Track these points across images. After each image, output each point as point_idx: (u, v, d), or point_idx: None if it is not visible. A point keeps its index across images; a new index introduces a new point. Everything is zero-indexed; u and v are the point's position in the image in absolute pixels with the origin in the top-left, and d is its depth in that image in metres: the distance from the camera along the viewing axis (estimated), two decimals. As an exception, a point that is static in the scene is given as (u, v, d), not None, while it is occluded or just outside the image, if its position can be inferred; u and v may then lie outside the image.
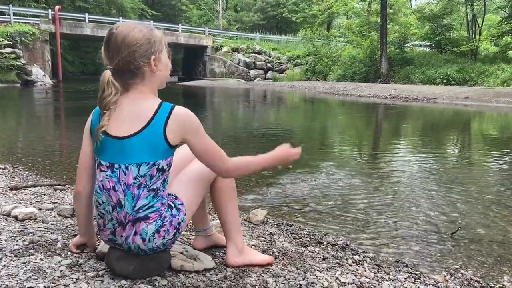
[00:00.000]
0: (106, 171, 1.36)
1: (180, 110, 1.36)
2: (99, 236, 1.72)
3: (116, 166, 1.35)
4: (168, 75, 1.48)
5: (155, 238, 1.36)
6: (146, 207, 1.35)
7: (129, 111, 1.35)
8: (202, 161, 1.42)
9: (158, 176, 1.36)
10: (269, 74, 26.83)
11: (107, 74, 1.34)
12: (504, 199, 3.18)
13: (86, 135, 1.44)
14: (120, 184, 1.35)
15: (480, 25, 21.74)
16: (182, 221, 1.42)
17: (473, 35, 21.31)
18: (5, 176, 3.23)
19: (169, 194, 1.43)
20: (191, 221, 1.99)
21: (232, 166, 1.44)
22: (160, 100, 1.38)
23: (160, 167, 1.36)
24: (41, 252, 1.56)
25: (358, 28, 24.67)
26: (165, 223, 1.37)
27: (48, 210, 2.24)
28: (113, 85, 1.33)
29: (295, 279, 1.55)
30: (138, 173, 1.34)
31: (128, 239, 1.36)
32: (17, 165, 3.73)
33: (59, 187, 2.89)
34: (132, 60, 1.33)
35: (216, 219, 2.11)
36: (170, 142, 1.34)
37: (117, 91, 1.34)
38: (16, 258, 1.50)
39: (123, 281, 1.38)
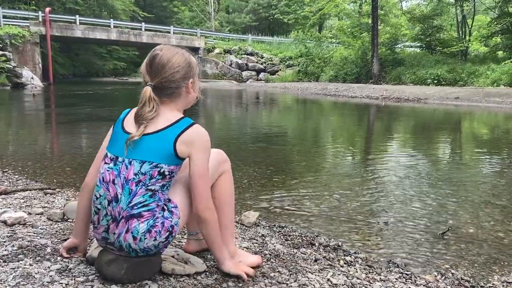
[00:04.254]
0: (109, 164, 1.43)
1: (199, 128, 1.46)
2: (90, 239, 1.71)
3: (120, 159, 1.41)
4: (197, 96, 1.60)
5: (146, 238, 1.37)
6: (141, 204, 1.38)
7: (156, 118, 1.43)
8: (190, 182, 1.46)
9: (157, 178, 1.40)
10: (261, 75, 26.87)
11: (149, 90, 1.43)
12: (494, 199, 3.21)
13: (109, 132, 1.52)
14: (120, 178, 1.39)
15: (470, 26, 21.95)
16: (175, 224, 1.42)
17: (463, 36, 21.51)
18: (-5, 180, 3.19)
19: None
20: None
21: (212, 205, 1.48)
22: (183, 115, 1.48)
23: (162, 171, 1.40)
24: (30, 257, 1.55)
25: (349, 29, 24.76)
26: (156, 224, 1.38)
27: (38, 214, 2.22)
28: (154, 101, 1.43)
29: (287, 281, 1.56)
30: (140, 170, 1.39)
31: (120, 237, 1.37)
32: (7, 169, 3.69)
33: (49, 191, 2.86)
34: (174, 80, 1.46)
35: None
36: (178, 152, 1.41)
37: (156, 108, 1.43)
38: (5, 263, 1.48)
39: (113, 286, 1.37)
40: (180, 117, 1.46)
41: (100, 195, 1.42)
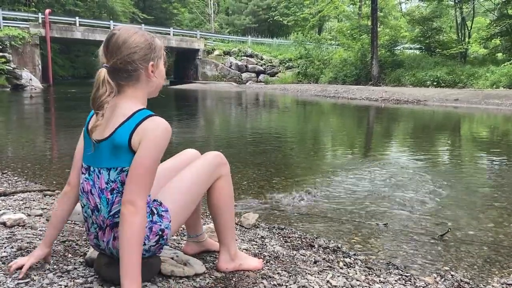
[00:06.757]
0: (85, 174, 1.38)
1: (153, 120, 1.30)
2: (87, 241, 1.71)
3: (92, 169, 1.36)
4: (162, 84, 1.48)
5: None
6: None
7: (113, 113, 1.33)
8: (128, 177, 1.28)
9: None
10: (261, 77, 26.88)
11: (103, 72, 1.30)
12: (494, 201, 3.21)
13: (82, 135, 1.43)
14: (95, 188, 1.34)
15: (469, 28, 21.98)
16: (166, 228, 1.38)
17: (463, 38, 21.53)
18: (-6, 182, 3.19)
19: (154, 201, 1.41)
20: (183, 226, 1.99)
21: (140, 207, 1.25)
22: (141, 107, 1.34)
23: None
24: (29, 259, 1.54)
25: (349, 31, 24.81)
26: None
27: (37, 216, 2.22)
28: (108, 84, 1.30)
29: (286, 283, 1.55)
30: (109, 178, 1.32)
31: (109, 244, 1.35)
32: (6, 171, 3.69)
33: (49, 192, 2.86)
34: (131, 61, 1.33)
35: (207, 224, 2.11)
36: (135, 150, 1.29)
37: (111, 90, 1.31)
38: (4, 265, 1.48)
39: (112, 287, 1.37)
40: (137, 110, 1.32)
41: (84, 204, 1.39)
